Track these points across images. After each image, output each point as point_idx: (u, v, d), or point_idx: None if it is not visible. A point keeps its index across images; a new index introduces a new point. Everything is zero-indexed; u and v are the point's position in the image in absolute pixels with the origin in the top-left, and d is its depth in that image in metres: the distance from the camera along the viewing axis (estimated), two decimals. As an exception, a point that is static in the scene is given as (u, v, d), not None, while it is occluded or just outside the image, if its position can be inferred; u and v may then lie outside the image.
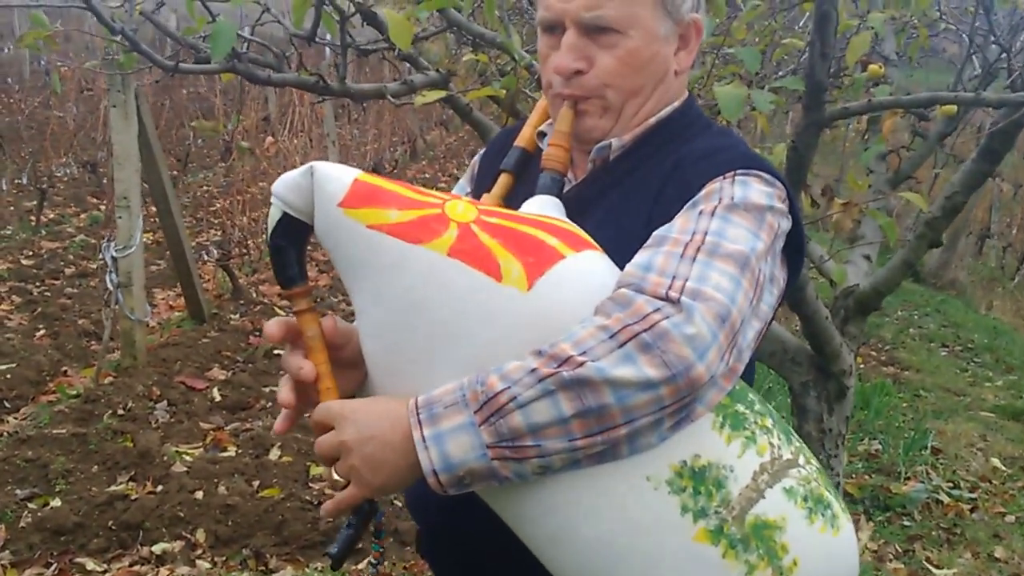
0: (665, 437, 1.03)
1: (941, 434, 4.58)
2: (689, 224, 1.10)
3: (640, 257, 1.08)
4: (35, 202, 7.37)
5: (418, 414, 1.03)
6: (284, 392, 1.16)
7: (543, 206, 1.21)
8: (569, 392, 0.98)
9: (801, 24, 3.42)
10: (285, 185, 1.09)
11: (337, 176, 1.08)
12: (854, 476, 3.99)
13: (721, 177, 1.15)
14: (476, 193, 1.41)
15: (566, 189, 1.29)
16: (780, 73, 2.69)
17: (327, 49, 2.18)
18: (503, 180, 1.34)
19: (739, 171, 1.16)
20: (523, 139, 1.37)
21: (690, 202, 1.14)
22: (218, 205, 7.75)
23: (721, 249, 1.06)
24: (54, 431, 3.75)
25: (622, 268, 1.11)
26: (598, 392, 0.98)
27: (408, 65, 2.09)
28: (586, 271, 1.08)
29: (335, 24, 2.01)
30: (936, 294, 8.43)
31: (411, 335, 1.06)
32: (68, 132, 9.18)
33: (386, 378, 1.10)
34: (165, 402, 4.18)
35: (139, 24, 1.70)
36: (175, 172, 9.28)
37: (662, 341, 0.98)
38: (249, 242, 6.22)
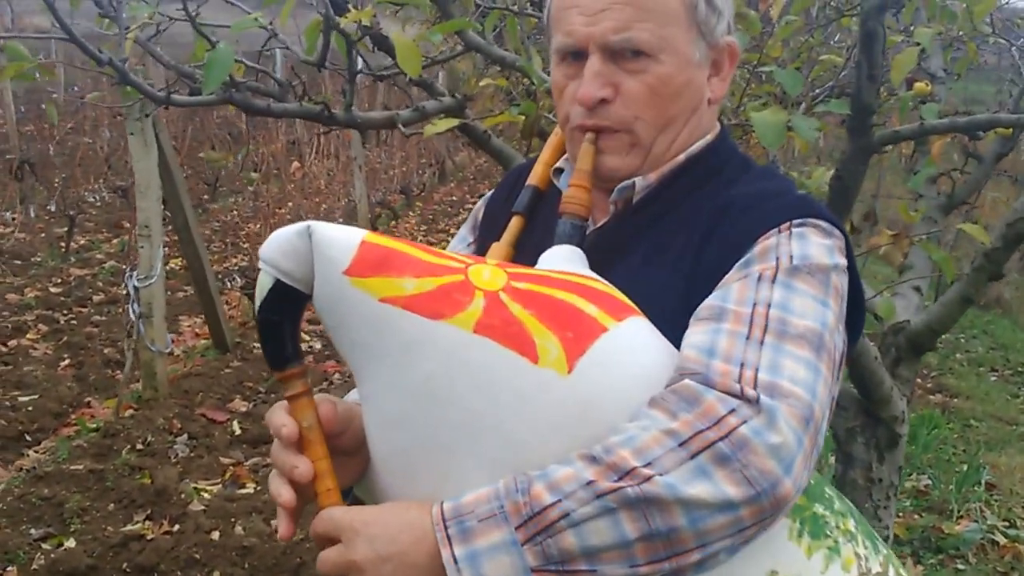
0: (736, 551, 0.88)
1: (994, 468, 4.32)
2: (747, 292, 0.96)
3: (699, 337, 0.94)
4: (66, 229, 7.37)
5: (446, 528, 0.86)
6: (284, 491, 0.95)
7: (567, 259, 1.06)
8: (633, 512, 0.83)
9: (837, 39, 3.27)
10: (278, 248, 0.91)
11: (341, 238, 0.91)
12: (902, 515, 3.77)
13: (776, 230, 1.01)
14: (481, 243, 1.26)
15: (586, 234, 1.13)
16: (816, 91, 2.54)
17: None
18: (514, 224, 1.20)
19: (795, 222, 1.01)
20: (535, 177, 1.23)
21: (742, 260, 0.99)
22: (247, 229, 7.73)
23: (791, 328, 0.92)
24: (71, 467, 3.67)
25: (661, 331, 0.96)
26: (668, 513, 0.83)
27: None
28: (632, 346, 0.93)
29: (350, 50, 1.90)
30: (982, 314, 8.13)
31: (431, 428, 0.89)
32: (99, 158, 9.23)
33: (399, 478, 0.93)
34: (185, 435, 4.09)
35: (141, 55, 1.60)
36: (205, 197, 9.32)
37: (743, 452, 0.84)
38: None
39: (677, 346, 0.95)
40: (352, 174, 7.85)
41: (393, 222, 8.77)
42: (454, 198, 10.70)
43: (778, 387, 0.87)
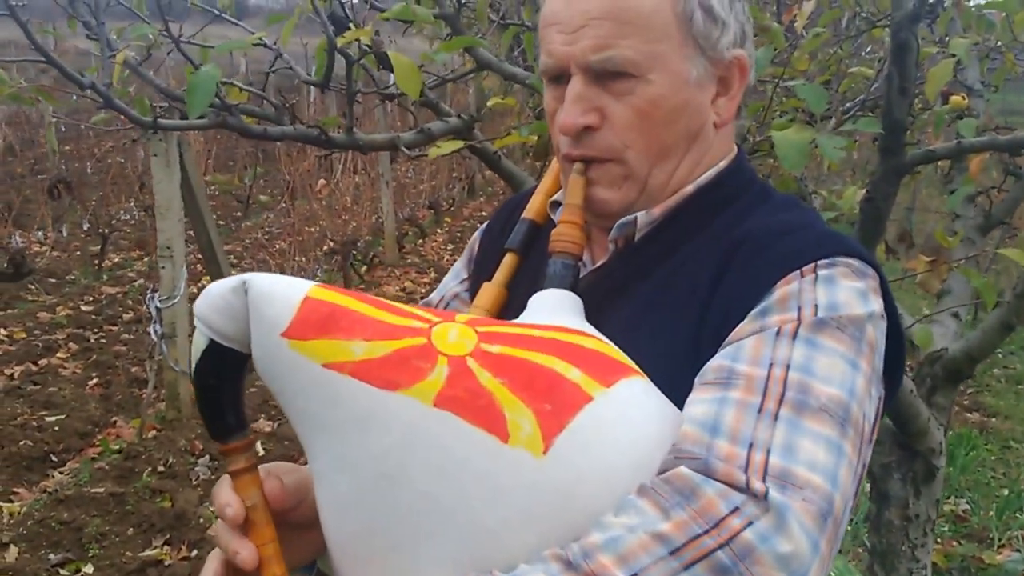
0: None
1: (1037, 493, 4.17)
2: (763, 350, 0.82)
3: (702, 408, 0.80)
4: (99, 247, 7.44)
5: None
6: None
7: (557, 305, 0.95)
8: None
9: (868, 50, 3.17)
10: (210, 304, 0.82)
11: (280, 295, 0.80)
12: (940, 541, 3.63)
13: (798, 273, 0.86)
14: (475, 279, 1.15)
15: (581, 276, 1.02)
16: (847, 105, 2.44)
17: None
18: (507, 262, 1.09)
19: (820, 262, 0.87)
20: (532, 210, 1.12)
21: (758, 309, 0.85)
22: (275, 247, 7.75)
23: (812, 398, 0.79)
24: (92, 490, 3.66)
25: (665, 387, 0.84)
26: None
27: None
28: (622, 416, 0.80)
29: (362, 70, 1.85)
30: (1021, 328, 7.87)
31: (385, 514, 0.78)
32: (131, 177, 9.31)
33: (352, 564, 0.83)
34: (207, 457, 4.07)
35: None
36: (238, 214, 9.38)
37: (746, 563, 0.71)
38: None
39: (684, 403, 0.84)
40: (379, 191, 7.83)
41: (421, 240, 8.75)
42: (484, 213, 10.66)
43: (792, 475, 0.75)
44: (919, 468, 1.99)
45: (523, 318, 0.95)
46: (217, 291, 0.82)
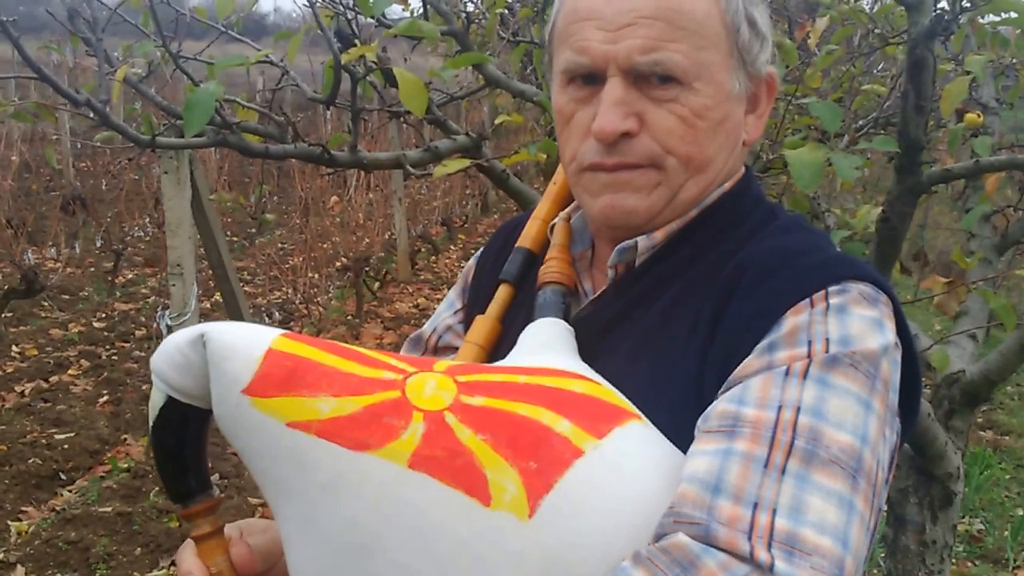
0: None
1: (1053, 514, 4.10)
2: (771, 391, 0.76)
3: (703, 462, 0.74)
4: (113, 264, 7.46)
5: None
6: None
7: (550, 338, 0.90)
8: None
9: (881, 67, 3.15)
10: (168, 359, 0.77)
11: (241, 348, 0.75)
12: (956, 563, 3.57)
13: (807, 301, 0.80)
14: (470, 310, 1.09)
15: (581, 306, 0.97)
16: (859, 122, 2.41)
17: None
18: (501, 294, 1.03)
19: (831, 289, 0.81)
20: (528, 238, 1.06)
21: (766, 342, 0.79)
22: (289, 264, 7.78)
23: (822, 448, 0.73)
24: (100, 509, 3.65)
25: (669, 426, 0.79)
26: None
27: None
28: (616, 473, 0.74)
29: (372, 88, 1.84)
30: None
31: None
32: (146, 194, 9.36)
33: None
34: (217, 475, 4.04)
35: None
36: (252, 230, 9.41)
37: None
38: (309, 306, 6.13)
39: (686, 441, 0.78)
40: (391, 208, 7.84)
41: (434, 257, 8.74)
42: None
43: (800, 540, 0.69)
44: (936, 493, 1.95)
45: (512, 356, 0.90)
46: (174, 344, 0.77)
